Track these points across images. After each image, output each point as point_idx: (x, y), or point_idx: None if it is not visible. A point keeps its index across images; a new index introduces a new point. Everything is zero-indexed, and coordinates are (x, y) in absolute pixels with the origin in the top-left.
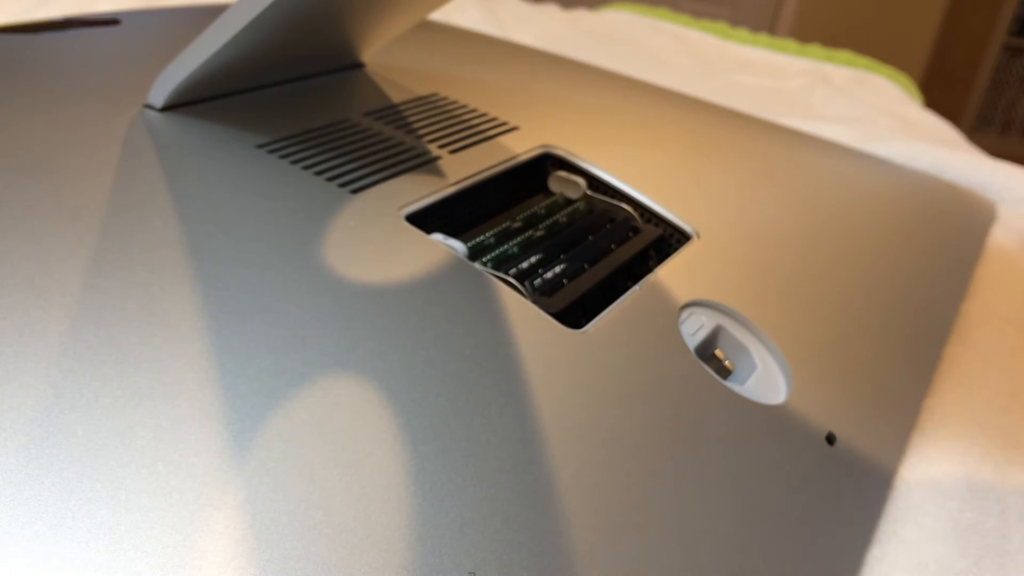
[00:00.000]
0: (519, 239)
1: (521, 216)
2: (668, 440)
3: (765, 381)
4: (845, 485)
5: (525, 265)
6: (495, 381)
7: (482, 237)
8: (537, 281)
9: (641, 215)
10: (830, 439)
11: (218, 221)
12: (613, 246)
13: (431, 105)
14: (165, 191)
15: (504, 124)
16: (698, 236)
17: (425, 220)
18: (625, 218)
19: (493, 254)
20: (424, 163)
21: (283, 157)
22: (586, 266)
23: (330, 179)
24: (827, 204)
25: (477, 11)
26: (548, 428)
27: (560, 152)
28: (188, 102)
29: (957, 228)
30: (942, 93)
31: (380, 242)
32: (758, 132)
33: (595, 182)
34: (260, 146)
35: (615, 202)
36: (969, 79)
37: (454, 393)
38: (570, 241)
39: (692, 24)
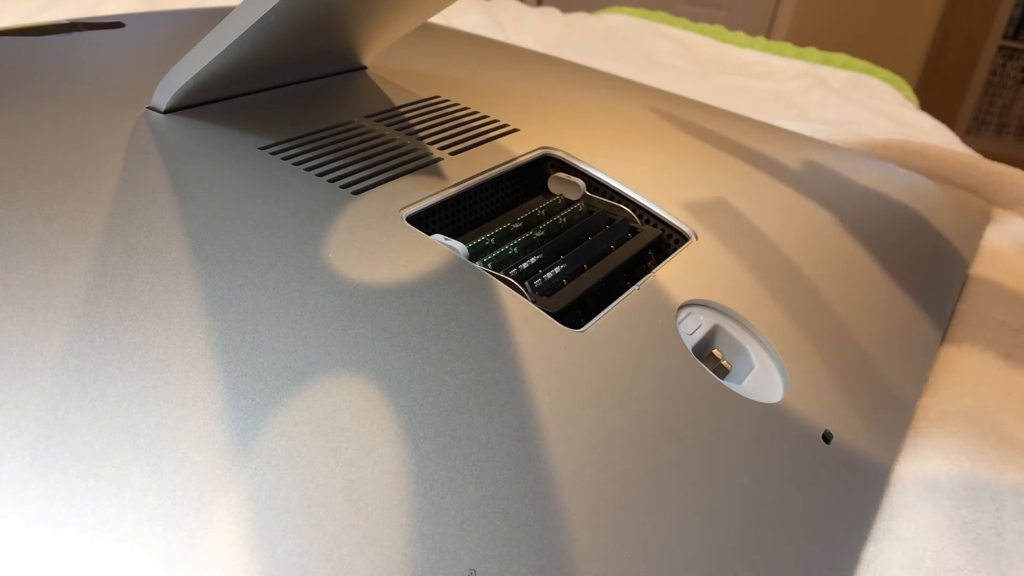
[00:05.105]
0: (519, 240)
1: (521, 217)
2: (666, 438)
3: (762, 380)
4: (841, 483)
5: (525, 265)
6: (495, 380)
7: (482, 238)
8: (537, 281)
9: (640, 216)
10: (826, 437)
11: (221, 222)
12: (612, 247)
13: (432, 107)
14: (169, 193)
15: (504, 126)
16: (696, 237)
17: (426, 221)
18: (624, 219)
19: (493, 255)
20: (425, 164)
21: (286, 159)
22: (585, 266)
23: (332, 180)
24: (823, 205)
25: (478, 14)
26: (547, 427)
27: (560, 154)
28: (191, 105)
29: (952, 229)
30: (938, 95)
31: (381, 243)
32: (755, 134)
33: (594, 183)
34: (263, 148)
35: (614, 203)
36: (964, 81)
37: (454, 392)
38: (570, 242)
39: (690, 27)
